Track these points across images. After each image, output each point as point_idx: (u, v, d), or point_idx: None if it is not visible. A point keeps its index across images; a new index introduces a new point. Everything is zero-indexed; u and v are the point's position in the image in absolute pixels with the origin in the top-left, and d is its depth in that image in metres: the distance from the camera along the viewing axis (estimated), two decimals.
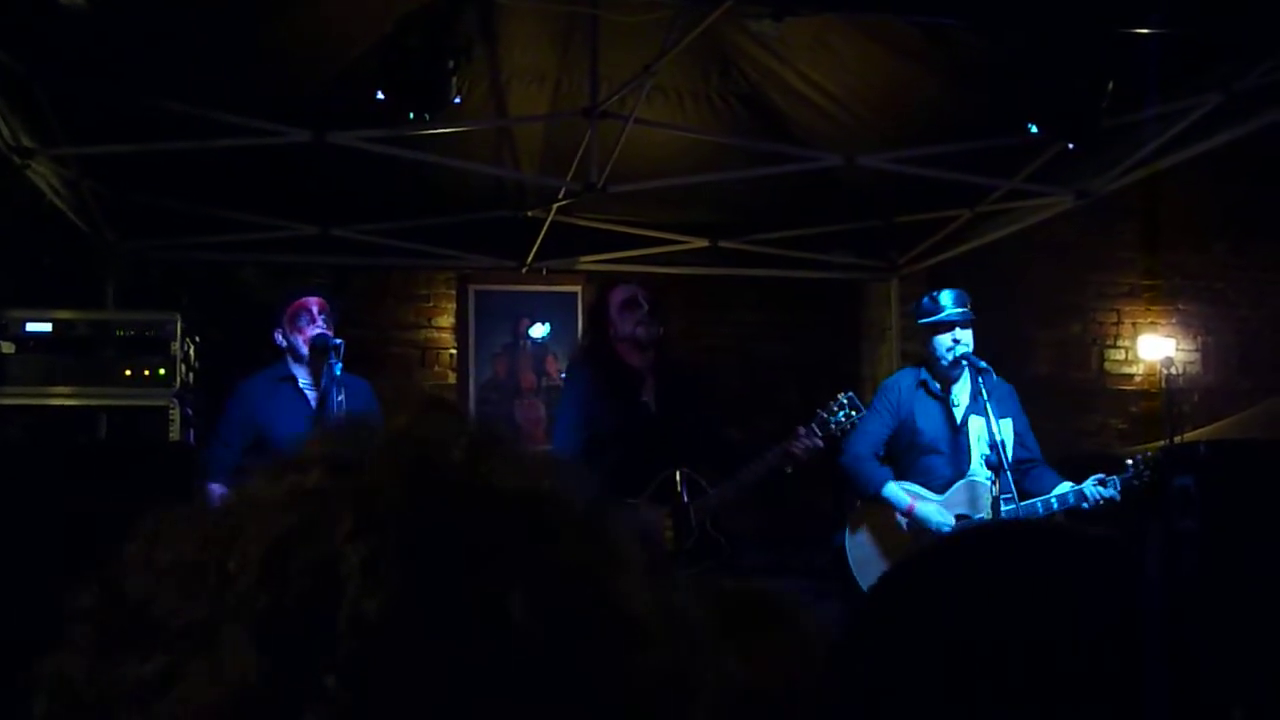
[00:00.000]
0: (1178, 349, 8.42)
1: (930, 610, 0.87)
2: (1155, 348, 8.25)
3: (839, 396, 4.98)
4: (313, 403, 5.18)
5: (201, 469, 5.02)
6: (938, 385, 5.32)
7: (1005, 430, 5.17)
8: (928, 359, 5.38)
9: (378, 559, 0.58)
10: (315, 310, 5.20)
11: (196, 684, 0.57)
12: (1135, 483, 4.97)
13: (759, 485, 4.90)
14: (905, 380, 5.44)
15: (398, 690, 0.57)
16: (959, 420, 5.26)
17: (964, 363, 5.21)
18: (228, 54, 5.02)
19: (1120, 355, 8.69)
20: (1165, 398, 7.16)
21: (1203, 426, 7.18)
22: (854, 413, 4.95)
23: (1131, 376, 8.67)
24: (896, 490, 5.20)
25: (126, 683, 0.59)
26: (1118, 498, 4.96)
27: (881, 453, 5.35)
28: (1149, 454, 5.21)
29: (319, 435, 0.67)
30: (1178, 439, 6.17)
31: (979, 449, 5.18)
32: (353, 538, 0.59)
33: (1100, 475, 5.04)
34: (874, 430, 5.34)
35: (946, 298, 5.28)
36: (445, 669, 0.57)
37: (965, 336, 5.23)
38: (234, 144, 5.38)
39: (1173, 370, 7.17)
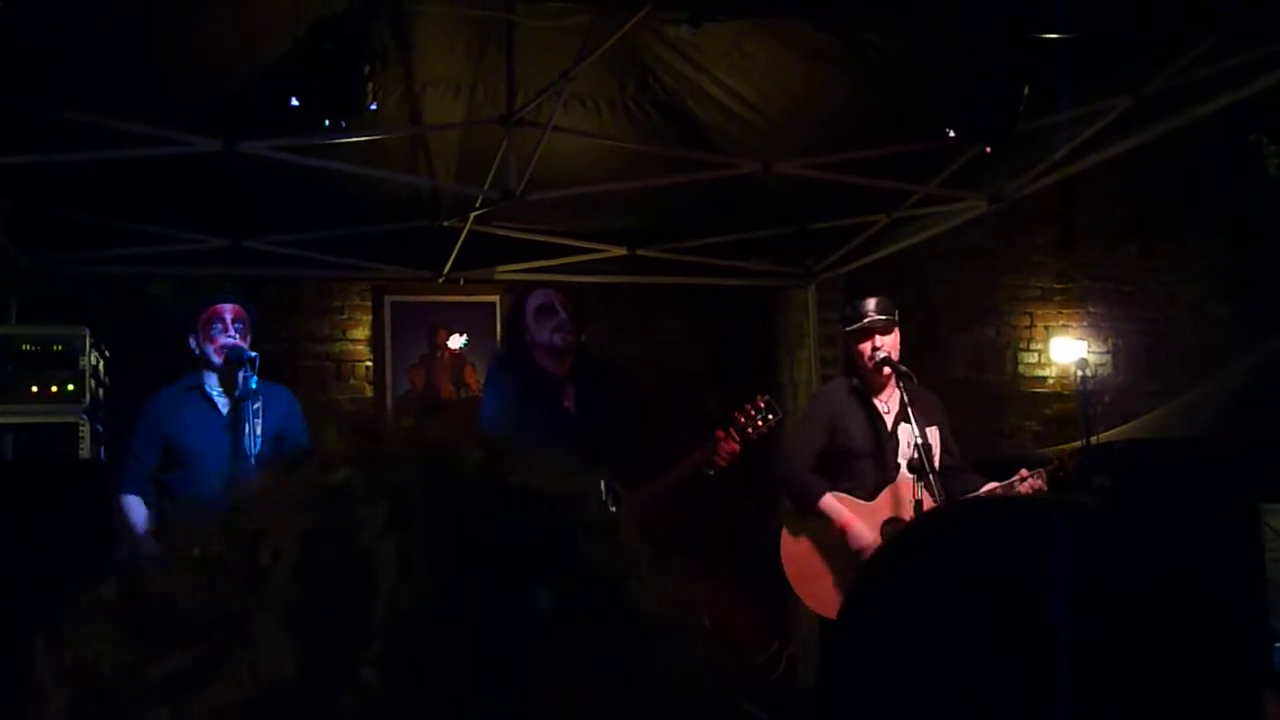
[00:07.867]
0: (1089, 351, 8.55)
1: (917, 597, 0.87)
2: (1067, 350, 8.37)
3: (756, 400, 4.99)
4: (223, 411, 5.05)
5: (117, 483, 4.90)
6: (867, 392, 5.34)
7: (931, 437, 5.21)
8: (854, 366, 5.40)
9: (411, 553, 0.60)
10: (229, 318, 5.04)
11: (232, 678, 0.58)
12: (1060, 474, 5.04)
13: (678, 491, 4.87)
14: (837, 389, 5.45)
15: (429, 681, 0.58)
16: (889, 427, 5.29)
17: (886, 369, 5.25)
18: (135, 61, 4.90)
19: (1033, 358, 8.80)
20: (1079, 400, 7.26)
21: (1115, 427, 7.30)
22: (770, 416, 4.94)
23: (1045, 379, 8.79)
24: (834, 504, 5.20)
25: (157, 676, 0.59)
26: (1045, 489, 5.02)
27: (815, 462, 5.35)
28: (1068, 449, 5.28)
29: (332, 434, 0.69)
30: (1093, 439, 6.25)
31: (906, 455, 5.22)
32: (386, 532, 0.61)
33: (1024, 470, 5.09)
34: (808, 441, 5.36)
35: (868, 304, 5.31)
36: (476, 660, 0.59)
37: (886, 342, 5.27)
38: (142, 154, 5.26)
39: (1086, 372, 7.27)
